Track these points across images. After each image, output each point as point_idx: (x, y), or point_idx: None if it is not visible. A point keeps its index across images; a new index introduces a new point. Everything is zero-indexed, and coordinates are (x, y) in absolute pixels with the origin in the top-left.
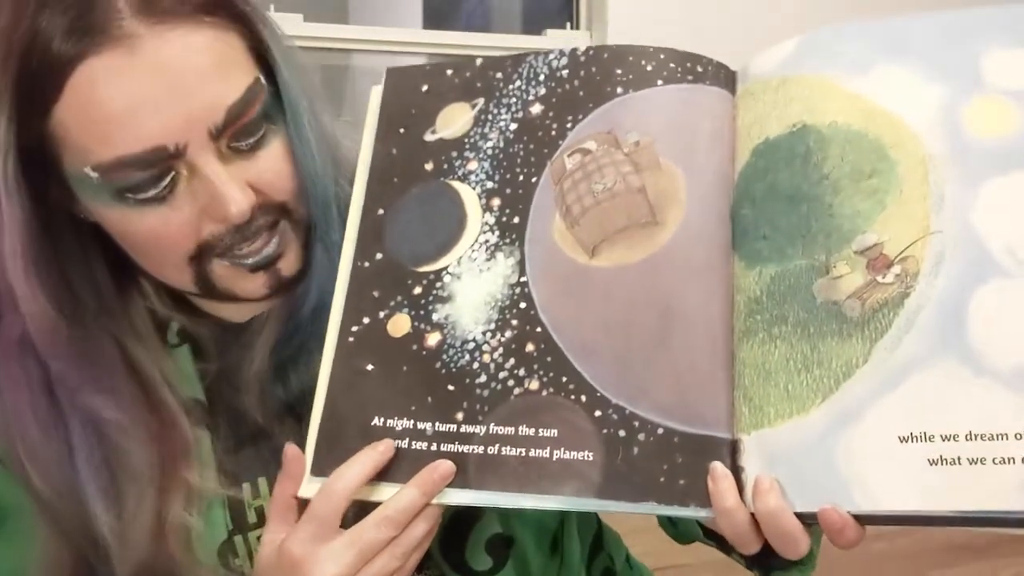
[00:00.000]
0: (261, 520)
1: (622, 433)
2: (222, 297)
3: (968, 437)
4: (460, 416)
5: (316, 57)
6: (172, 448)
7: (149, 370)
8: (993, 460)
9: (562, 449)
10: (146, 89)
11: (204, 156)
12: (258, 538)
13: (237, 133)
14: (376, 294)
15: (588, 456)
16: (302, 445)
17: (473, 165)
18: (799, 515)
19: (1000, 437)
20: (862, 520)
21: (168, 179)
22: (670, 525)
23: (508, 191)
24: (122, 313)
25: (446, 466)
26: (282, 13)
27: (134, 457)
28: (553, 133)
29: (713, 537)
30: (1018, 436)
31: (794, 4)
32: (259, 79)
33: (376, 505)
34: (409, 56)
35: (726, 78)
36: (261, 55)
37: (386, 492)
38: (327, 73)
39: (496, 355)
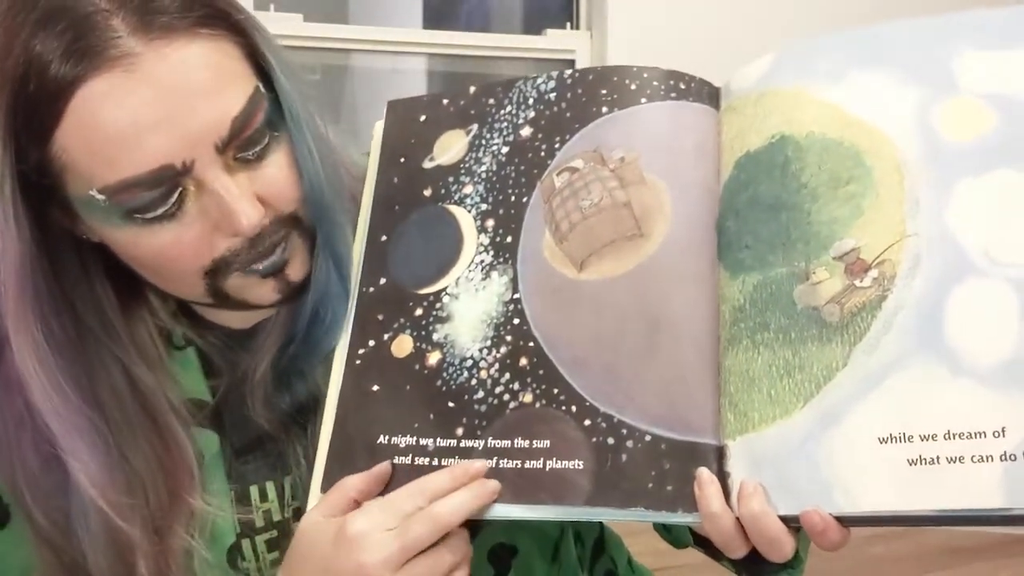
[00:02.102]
0: (268, 524)
1: (611, 441)
2: (235, 306)
3: (947, 436)
4: (460, 431)
5: (316, 57)
6: (176, 473)
7: (155, 394)
8: (972, 458)
9: (554, 459)
10: (149, 109)
11: (212, 170)
12: (265, 541)
13: (242, 144)
14: (381, 317)
15: (578, 464)
16: (308, 451)
17: (468, 189)
18: (783, 518)
19: (978, 435)
20: (845, 521)
21: (176, 196)
22: (665, 531)
23: (501, 212)
24: (127, 333)
25: (495, 482)
26: (282, 13)
27: (136, 487)
28: (542, 154)
29: (703, 543)
30: (996, 434)
31: (792, 3)
32: (259, 87)
33: None
34: (409, 56)
35: (709, 95)
36: (257, 62)
37: None
38: (327, 73)
39: (492, 371)
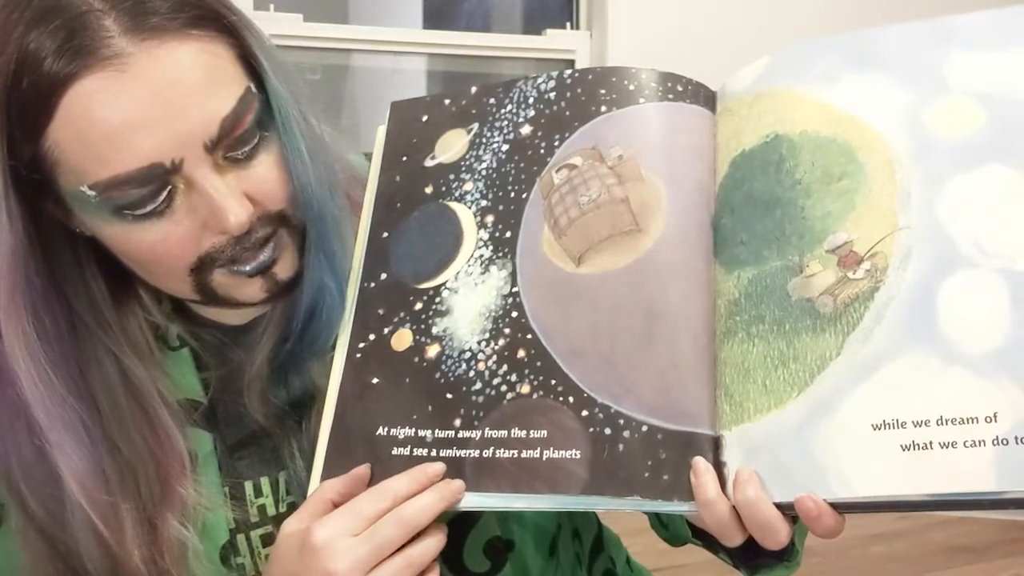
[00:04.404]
0: (263, 518)
1: (608, 431)
2: (223, 304)
3: (939, 422)
4: (458, 422)
5: (316, 57)
6: (166, 463)
7: (146, 386)
8: (964, 443)
9: (551, 449)
10: (139, 108)
11: (201, 170)
12: (260, 536)
13: (232, 144)
14: (381, 311)
15: (575, 454)
16: (303, 446)
17: (469, 186)
18: (779, 505)
19: (970, 421)
20: (839, 507)
21: (165, 193)
22: (661, 527)
23: (501, 208)
24: (119, 326)
25: (459, 482)
26: (282, 13)
27: (127, 477)
28: (542, 151)
29: (701, 536)
30: (988, 419)
31: (791, 3)
32: (250, 88)
33: None
34: (409, 56)
35: (705, 98)
36: (249, 63)
37: None
38: (327, 73)
39: (490, 362)
